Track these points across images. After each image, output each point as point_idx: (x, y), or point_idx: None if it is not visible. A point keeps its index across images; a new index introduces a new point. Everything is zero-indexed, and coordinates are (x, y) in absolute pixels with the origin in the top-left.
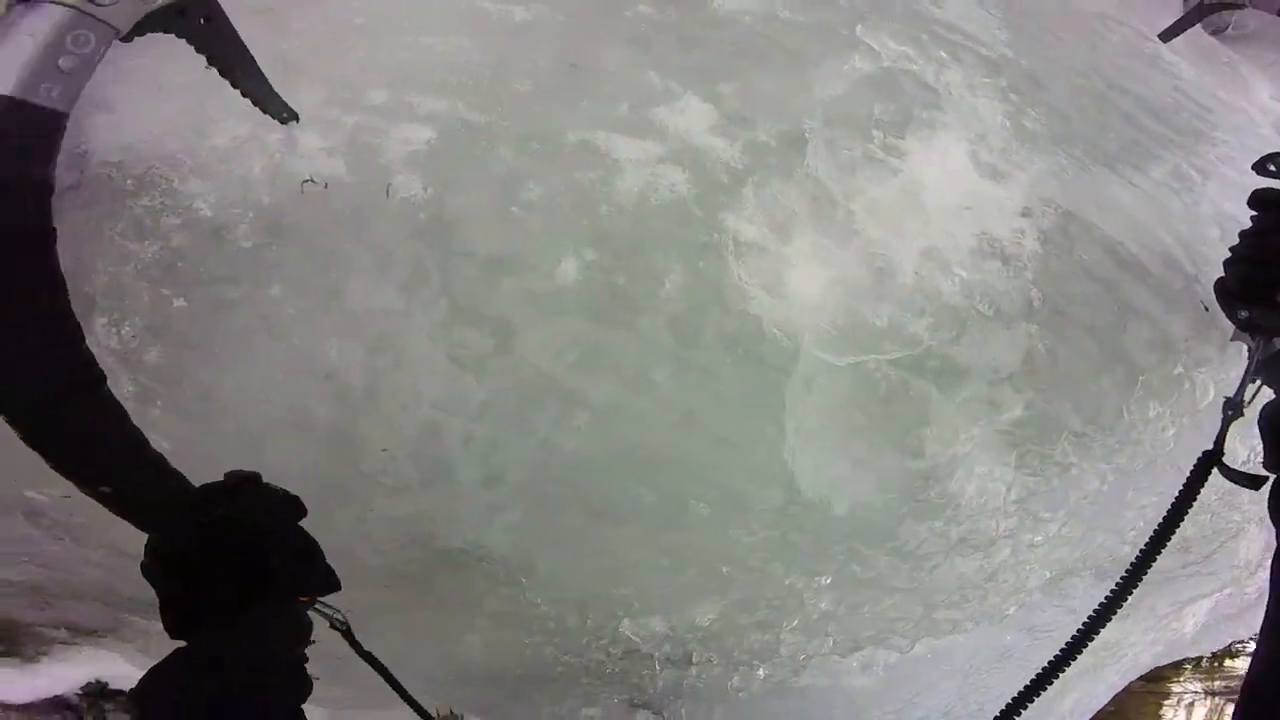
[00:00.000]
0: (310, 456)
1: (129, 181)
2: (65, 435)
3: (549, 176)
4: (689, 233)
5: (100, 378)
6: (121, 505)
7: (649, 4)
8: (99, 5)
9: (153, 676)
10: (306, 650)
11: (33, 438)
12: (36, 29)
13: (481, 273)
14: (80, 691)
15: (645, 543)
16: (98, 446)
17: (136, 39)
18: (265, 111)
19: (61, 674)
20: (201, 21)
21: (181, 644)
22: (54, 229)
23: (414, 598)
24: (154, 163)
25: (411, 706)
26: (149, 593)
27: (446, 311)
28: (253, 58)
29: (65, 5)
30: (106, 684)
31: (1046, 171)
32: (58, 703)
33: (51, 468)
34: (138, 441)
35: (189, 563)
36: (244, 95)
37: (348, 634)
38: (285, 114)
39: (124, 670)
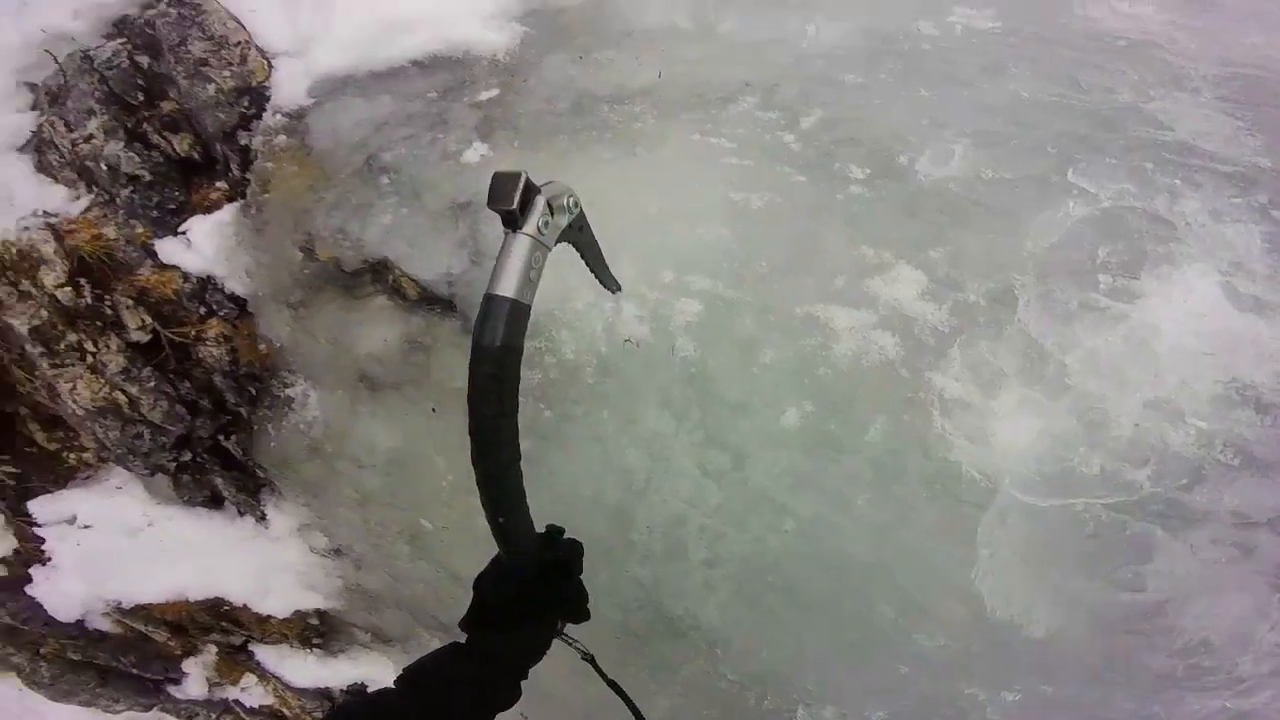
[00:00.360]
0: (599, 524)
1: (530, 323)
2: (503, 485)
3: (780, 343)
4: (895, 390)
5: (520, 454)
6: (503, 534)
7: (860, 184)
8: (543, 235)
9: (427, 655)
10: None
11: (487, 484)
12: (521, 253)
13: (728, 413)
14: (345, 688)
15: (831, 635)
16: (512, 493)
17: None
18: (602, 285)
19: (344, 670)
20: (579, 230)
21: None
22: (519, 370)
23: (633, 652)
24: (541, 316)
25: None
26: (450, 613)
27: (702, 438)
28: (600, 249)
29: (531, 236)
30: (366, 686)
31: None
32: (323, 693)
33: (483, 501)
34: (524, 494)
35: (520, 583)
36: (593, 274)
37: (593, 662)
38: (615, 287)
39: (389, 678)
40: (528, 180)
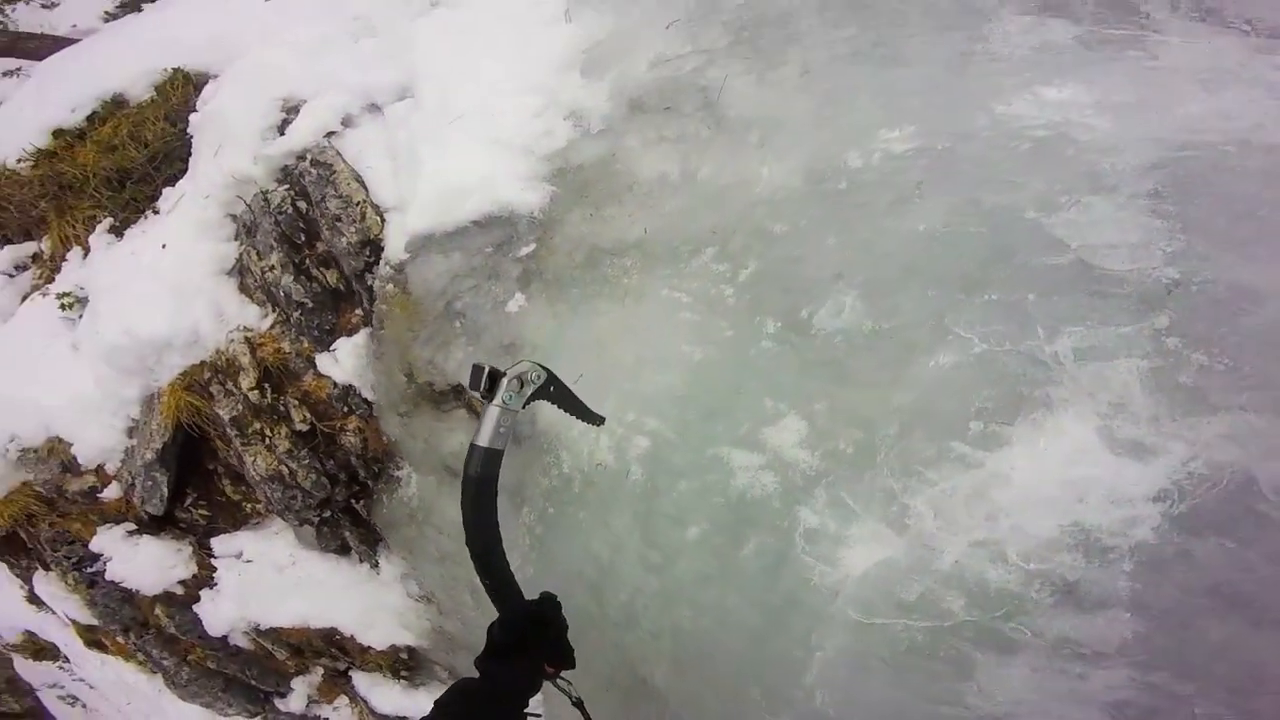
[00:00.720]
0: (584, 595)
1: (544, 443)
2: (487, 560)
3: (694, 475)
4: (769, 518)
5: (499, 539)
6: (492, 593)
7: (770, 339)
8: (509, 403)
9: (454, 684)
10: None
11: (476, 560)
12: (492, 418)
13: (663, 523)
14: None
15: (726, 707)
16: (495, 565)
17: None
18: (585, 421)
19: (423, 701)
20: (549, 389)
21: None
22: (496, 489)
23: (623, 708)
24: (553, 438)
25: None
26: None
27: (642, 541)
28: (575, 396)
29: (499, 406)
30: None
31: (1222, 436)
32: None
33: (476, 570)
34: (506, 564)
35: (515, 628)
36: (573, 416)
37: (581, 707)
38: (598, 421)
39: None
40: (490, 369)
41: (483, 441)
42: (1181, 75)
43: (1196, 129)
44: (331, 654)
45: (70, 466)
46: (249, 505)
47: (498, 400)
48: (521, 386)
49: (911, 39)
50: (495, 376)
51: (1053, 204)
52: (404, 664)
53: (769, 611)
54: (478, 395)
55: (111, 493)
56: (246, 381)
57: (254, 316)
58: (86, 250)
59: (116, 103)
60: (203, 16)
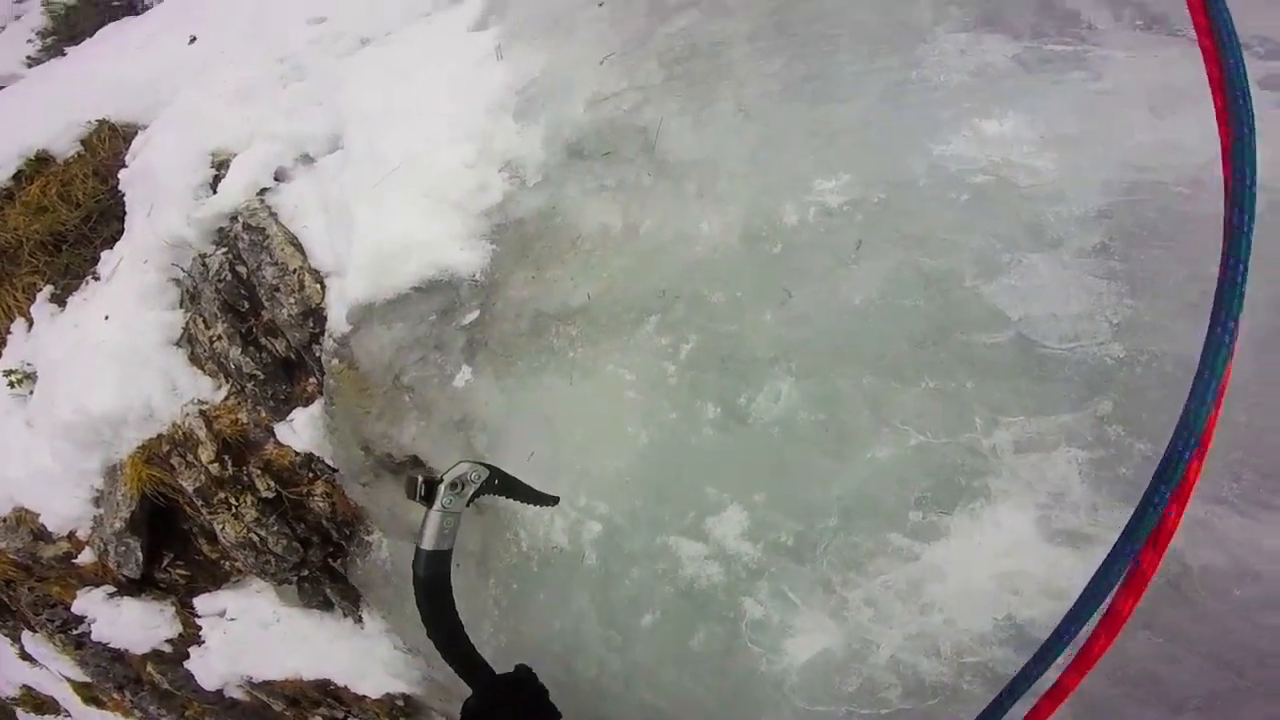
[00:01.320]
0: (554, 666)
1: (504, 517)
2: (447, 643)
3: (645, 563)
4: (715, 608)
5: (459, 625)
6: (463, 676)
7: (711, 424)
8: (450, 508)
9: None
10: None
11: (436, 644)
12: (434, 523)
13: (620, 606)
14: None
15: None
16: (455, 645)
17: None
18: (540, 504)
19: None
20: (495, 482)
21: None
22: (449, 584)
23: None
24: (510, 515)
25: None
26: None
27: (601, 622)
28: (523, 484)
29: (439, 510)
30: None
31: None
32: None
33: (442, 657)
34: (470, 647)
35: (493, 699)
36: (525, 503)
37: None
38: (552, 502)
39: None
40: (425, 479)
41: (427, 545)
42: (1128, 99)
43: (1146, 165)
44: (328, 703)
45: (41, 535)
46: (227, 563)
47: (437, 506)
48: (462, 488)
49: (843, 68)
50: (431, 485)
51: (993, 265)
52: (401, 710)
53: (721, 696)
54: (417, 503)
55: (86, 557)
56: (206, 455)
57: (207, 388)
58: (30, 321)
59: (41, 159)
60: (127, 61)
